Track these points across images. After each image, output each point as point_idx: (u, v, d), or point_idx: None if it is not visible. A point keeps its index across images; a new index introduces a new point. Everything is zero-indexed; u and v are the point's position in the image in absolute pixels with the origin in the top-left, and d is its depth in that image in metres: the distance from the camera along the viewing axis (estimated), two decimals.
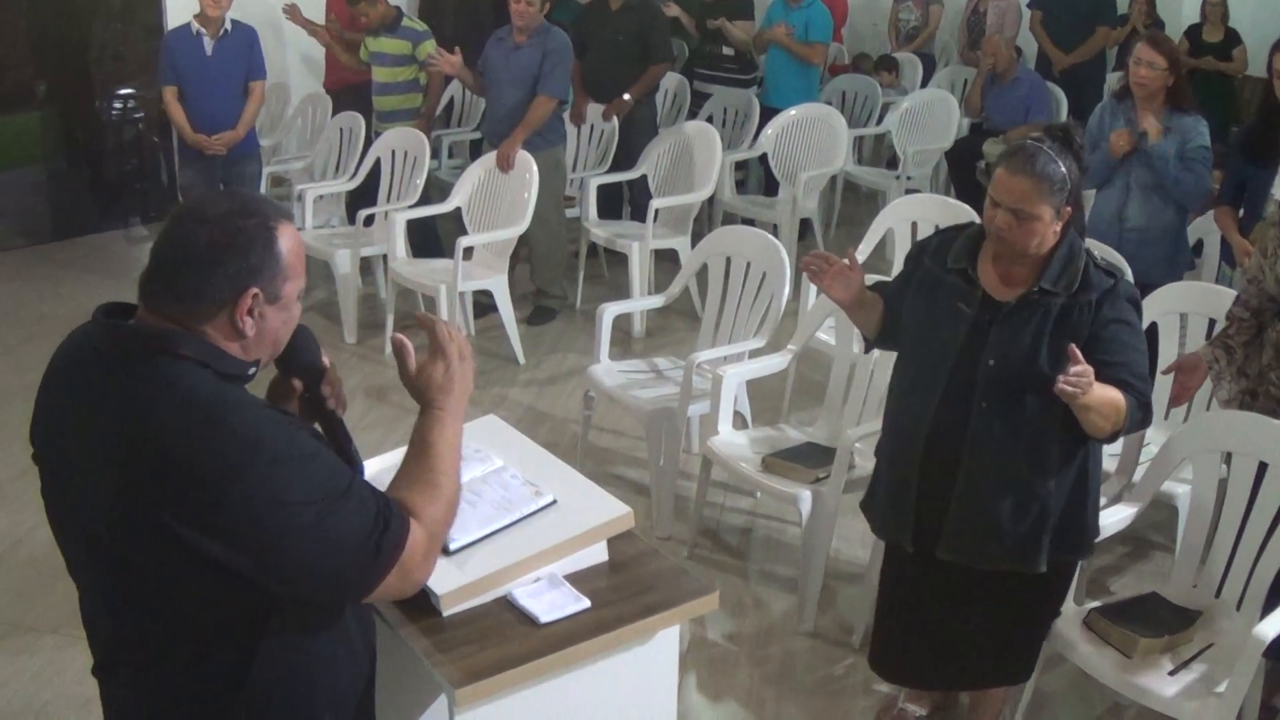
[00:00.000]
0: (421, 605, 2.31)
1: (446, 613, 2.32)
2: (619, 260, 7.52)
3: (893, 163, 9.26)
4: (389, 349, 6.52)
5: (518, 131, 6.53)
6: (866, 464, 4.07)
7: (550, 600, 2.37)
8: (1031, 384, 2.95)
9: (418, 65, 7.20)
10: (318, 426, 2.20)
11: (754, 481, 4.25)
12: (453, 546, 2.36)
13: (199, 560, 1.85)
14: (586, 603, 2.37)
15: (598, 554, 2.49)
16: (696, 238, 7.18)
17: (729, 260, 5.07)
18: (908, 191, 8.23)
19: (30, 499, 2.53)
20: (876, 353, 4.27)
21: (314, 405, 2.20)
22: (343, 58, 7.78)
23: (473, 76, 6.88)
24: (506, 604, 2.37)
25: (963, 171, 8.57)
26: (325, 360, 2.21)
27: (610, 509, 2.50)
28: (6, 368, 6.27)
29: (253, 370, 2.00)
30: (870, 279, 3.35)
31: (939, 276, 3.15)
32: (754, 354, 4.81)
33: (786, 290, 4.77)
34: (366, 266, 7.05)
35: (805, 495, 4.09)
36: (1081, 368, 2.73)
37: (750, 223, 7.88)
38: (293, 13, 7.97)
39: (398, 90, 7.28)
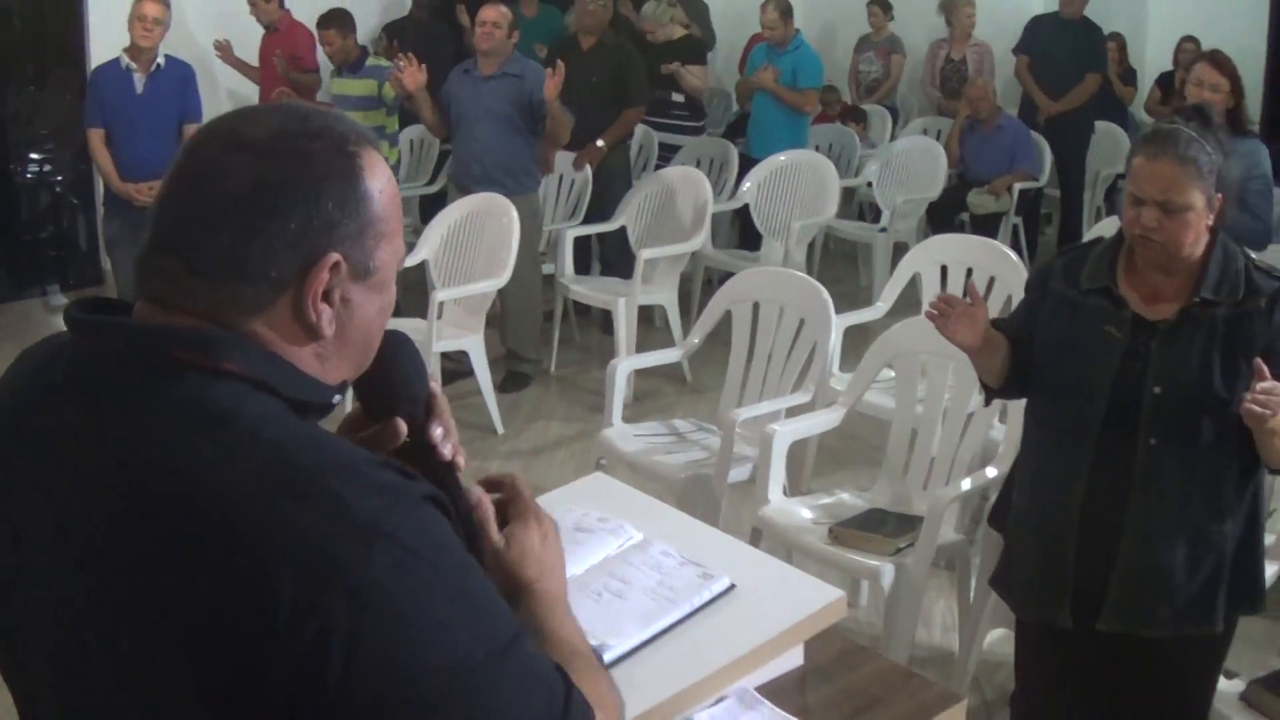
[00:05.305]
0: None
1: None
2: (588, 322, 6.98)
3: (866, 215, 8.79)
4: None
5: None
6: (945, 531, 3.51)
7: None
8: (1206, 410, 2.54)
9: (385, 110, 6.55)
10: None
11: (822, 556, 3.59)
12: (608, 657, 1.63)
13: None
14: None
15: (792, 658, 1.79)
16: (683, 295, 6.62)
17: (756, 307, 4.45)
18: (896, 245, 7.74)
19: None
20: (953, 409, 3.74)
21: (421, 459, 1.31)
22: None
23: (433, 111, 6.18)
24: None
25: (943, 224, 8.10)
26: (433, 385, 1.36)
27: (815, 593, 1.79)
28: None
29: (337, 398, 1.22)
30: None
31: (1075, 300, 2.70)
32: (791, 412, 4.19)
33: (833, 336, 4.16)
34: None
35: (887, 569, 3.45)
36: (1270, 384, 2.36)
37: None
38: (224, 51, 7.28)
39: None
